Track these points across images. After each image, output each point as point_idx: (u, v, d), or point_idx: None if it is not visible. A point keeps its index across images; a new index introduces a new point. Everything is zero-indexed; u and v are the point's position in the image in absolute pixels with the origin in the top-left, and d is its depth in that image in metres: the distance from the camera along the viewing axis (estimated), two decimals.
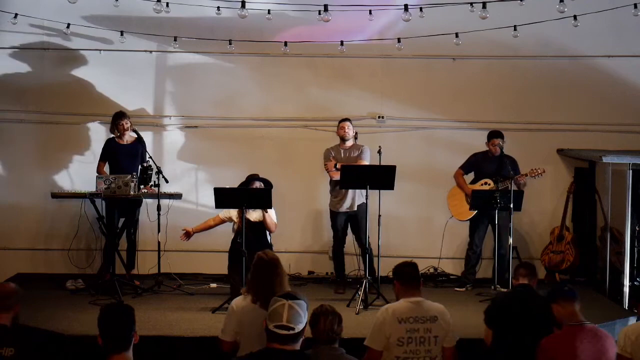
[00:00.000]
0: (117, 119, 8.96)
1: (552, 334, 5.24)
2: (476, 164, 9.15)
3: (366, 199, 8.30)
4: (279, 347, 4.02)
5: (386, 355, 5.16)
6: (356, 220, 8.72)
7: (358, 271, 9.22)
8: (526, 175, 8.75)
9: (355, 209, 8.69)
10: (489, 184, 8.92)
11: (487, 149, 9.08)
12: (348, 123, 8.89)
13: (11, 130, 9.77)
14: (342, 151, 8.89)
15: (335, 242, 8.99)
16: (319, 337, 4.63)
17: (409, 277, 5.34)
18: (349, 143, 8.89)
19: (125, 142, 9.00)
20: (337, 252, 9.01)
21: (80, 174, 9.64)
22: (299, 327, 4.05)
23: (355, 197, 8.70)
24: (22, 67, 9.75)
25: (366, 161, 8.71)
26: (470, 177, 9.19)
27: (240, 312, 5.14)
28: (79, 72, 9.78)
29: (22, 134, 9.80)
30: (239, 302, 5.23)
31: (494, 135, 9.02)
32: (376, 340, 5.19)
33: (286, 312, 4.03)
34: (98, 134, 9.62)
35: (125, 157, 8.90)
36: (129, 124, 8.95)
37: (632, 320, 7.09)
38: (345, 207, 8.73)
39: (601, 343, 5.04)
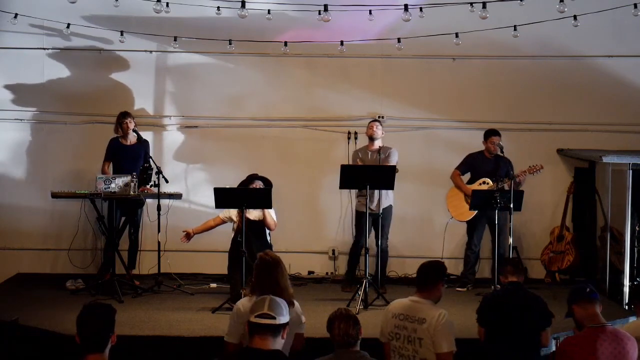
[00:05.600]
0: (121, 117, 8.99)
1: (572, 336, 5.20)
2: (472, 164, 9.13)
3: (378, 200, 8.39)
4: (258, 346, 4.02)
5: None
6: (380, 221, 8.55)
7: (359, 271, 9.21)
8: (525, 172, 8.75)
9: (381, 211, 8.61)
10: (488, 183, 8.91)
11: (483, 148, 9.07)
12: (377, 123, 8.91)
13: (11, 130, 9.77)
14: (369, 153, 8.86)
15: (355, 242, 8.99)
16: (336, 341, 4.64)
17: (417, 275, 5.33)
18: (377, 144, 8.84)
19: (128, 143, 9.00)
20: (355, 252, 9.00)
21: (80, 174, 9.65)
22: (280, 319, 4.06)
23: (381, 199, 8.65)
24: (22, 67, 9.75)
25: (394, 163, 8.64)
26: (466, 177, 9.17)
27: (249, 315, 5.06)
28: (80, 72, 9.78)
29: (22, 134, 9.81)
30: (246, 303, 5.11)
31: (493, 133, 9.00)
32: (381, 333, 5.30)
33: (267, 303, 4.09)
34: (98, 134, 9.60)
35: (128, 158, 8.91)
36: (132, 124, 8.96)
37: (632, 320, 7.08)
38: (370, 207, 8.45)
39: (622, 345, 4.98)
